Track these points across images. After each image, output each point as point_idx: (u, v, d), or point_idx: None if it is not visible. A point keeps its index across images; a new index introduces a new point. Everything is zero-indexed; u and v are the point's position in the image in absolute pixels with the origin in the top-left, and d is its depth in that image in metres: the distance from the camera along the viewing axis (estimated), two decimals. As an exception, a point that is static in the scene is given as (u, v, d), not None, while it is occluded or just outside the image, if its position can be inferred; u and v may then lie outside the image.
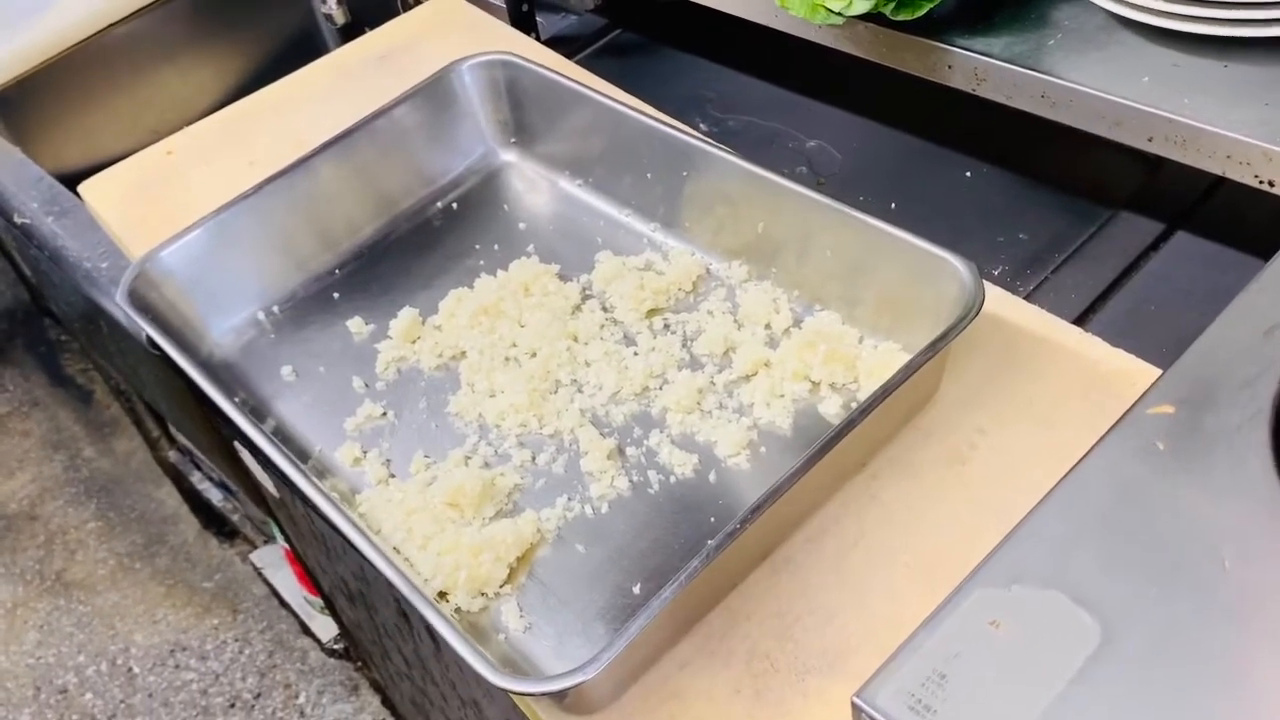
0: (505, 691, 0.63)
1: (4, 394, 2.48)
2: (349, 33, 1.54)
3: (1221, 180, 0.77)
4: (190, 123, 1.19)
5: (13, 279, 2.58)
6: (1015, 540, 0.55)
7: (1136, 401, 0.60)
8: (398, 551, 0.76)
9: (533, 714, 0.70)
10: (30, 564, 2.13)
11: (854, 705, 0.51)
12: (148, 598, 2.05)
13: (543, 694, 0.62)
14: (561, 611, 0.73)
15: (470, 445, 0.84)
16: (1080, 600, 0.52)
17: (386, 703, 1.81)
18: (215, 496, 1.96)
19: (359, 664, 1.84)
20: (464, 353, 0.90)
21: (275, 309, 0.96)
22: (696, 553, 0.65)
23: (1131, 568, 0.53)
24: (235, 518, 1.95)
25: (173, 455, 1.97)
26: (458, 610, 0.73)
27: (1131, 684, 0.50)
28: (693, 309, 0.90)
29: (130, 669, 1.95)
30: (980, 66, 0.86)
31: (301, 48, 1.59)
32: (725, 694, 0.67)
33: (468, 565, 0.73)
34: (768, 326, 0.87)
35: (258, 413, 0.89)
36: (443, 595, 0.74)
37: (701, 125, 1.16)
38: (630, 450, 0.81)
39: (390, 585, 0.67)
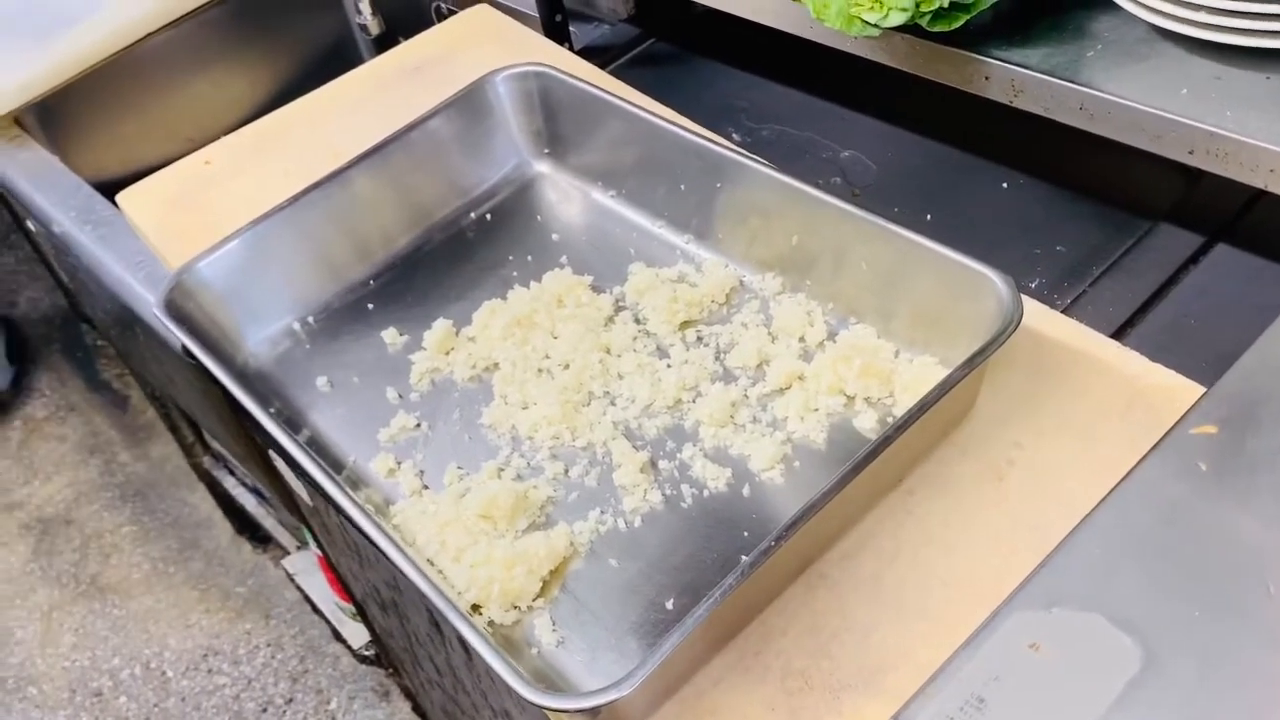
0: (538, 707, 0.62)
1: (41, 398, 2.51)
2: (383, 43, 1.55)
3: (1264, 191, 0.76)
4: (227, 132, 1.20)
5: (50, 284, 2.61)
6: (1055, 562, 0.54)
7: (1179, 421, 0.59)
8: (431, 564, 0.76)
9: (565, 728, 0.70)
10: (66, 567, 2.16)
11: (891, 728, 0.50)
12: (181, 602, 2.06)
13: (577, 711, 0.62)
14: (594, 626, 0.73)
15: (503, 457, 0.84)
16: (1121, 623, 0.52)
17: (417, 710, 1.81)
18: (249, 502, 1.97)
19: (390, 670, 1.85)
20: (497, 364, 0.90)
21: (310, 319, 0.97)
22: (730, 568, 0.64)
23: (1174, 591, 0.52)
24: (268, 523, 1.96)
25: (207, 461, 1.99)
26: (491, 623, 0.73)
27: (1174, 709, 0.49)
28: (726, 321, 0.90)
29: (164, 673, 1.96)
30: (1017, 78, 0.86)
31: (336, 58, 1.60)
32: (759, 711, 0.67)
33: (501, 578, 0.73)
34: (802, 339, 0.87)
35: (292, 423, 0.89)
36: (476, 608, 0.74)
37: (735, 135, 1.16)
38: (663, 463, 0.81)
39: (424, 597, 0.68)
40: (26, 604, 2.11)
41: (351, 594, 1.51)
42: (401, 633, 1.27)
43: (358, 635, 1.79)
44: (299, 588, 1.92)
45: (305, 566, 1.88)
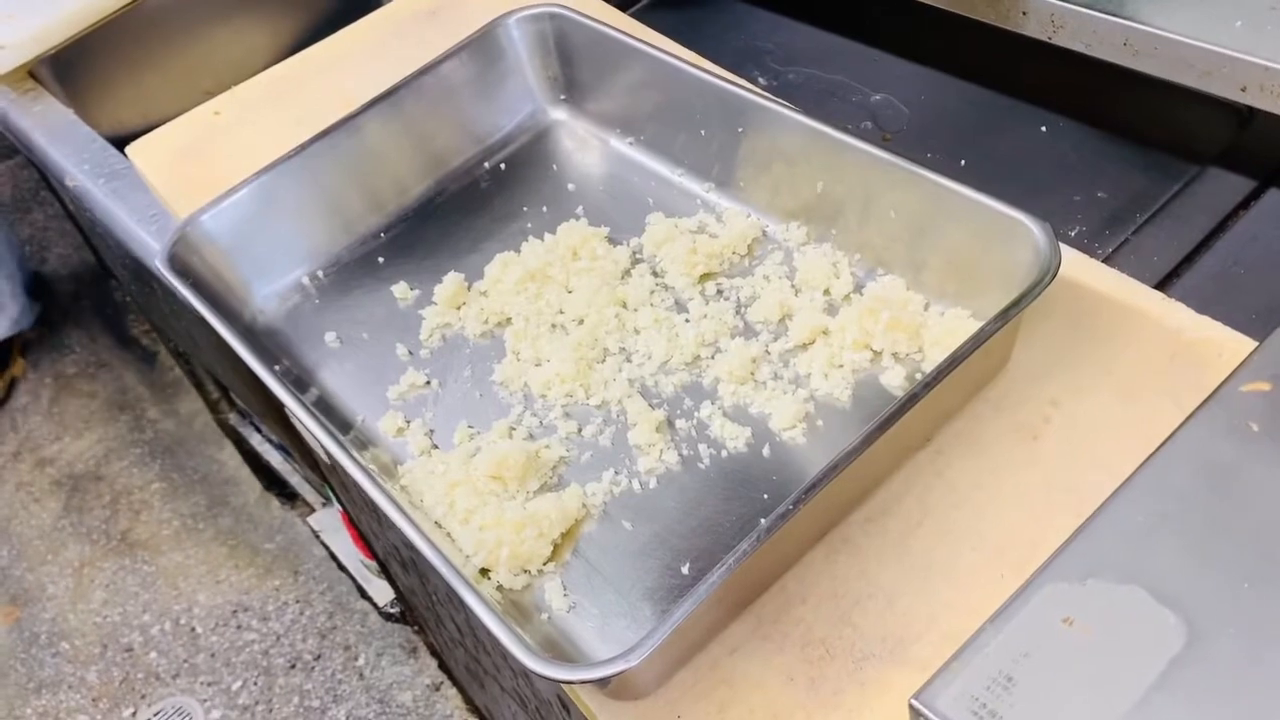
0: (544, 679, 0.60)
1: (71, 355, 2.51)
2: (402, -12, 1.50)
3: (1323, 133, 0.72)
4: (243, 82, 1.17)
5: (78, 241, 2.62)
6: (1092, 529, 0.51)
7: (1228, 377, 0.55)
8: (439, 526, 0.74)
9: (577, 696, 0.68)
10: (97, 524, 2.16)
11: (912, 708, 0.47)
12: (210, 558, 2.07)
13: (584, 681, 0.59)
14: (607, 591, 0.70)
15: (515, 416, 0.81)
16: (1163, 597, 0.48)
17: (443, 667, 1.81)
18: (275, 459, 1.97)
19: (416, 628, 1.84)
20: (509, 319, 0.87)
21: (319, 273, 0.94)
22: (748, 532, 0.61)
23: (1221, 561, 0.49)
24: (294, 480, 1.96)
25: (233, 418, 1.98)
26: (500, 588, 0.71)
27: (1220, 690, 0.46)
28: (748, 273, 0.86)
29: (193, 629, 1.97)
30: (1057, 13, 0.81)
31: (358, 4, 1.56)
32: (778, 681, 0.64)
33: (510, 541, 0.71)
34: (827, 292, 0.83)
35: (301, 381, 0.87)
36: (485, 572, 0.71)
37: (760, 79, 1.12)
38: (680, 423, 0.78)
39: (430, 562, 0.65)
40: (58, 560, 2.12)
41: (374, 552, 1.50)
42: (423, 591, 1.26)
43: (383, 593, 1.78)
44: (324, 545, 1.92)
45: (330, 524, 1.87)
